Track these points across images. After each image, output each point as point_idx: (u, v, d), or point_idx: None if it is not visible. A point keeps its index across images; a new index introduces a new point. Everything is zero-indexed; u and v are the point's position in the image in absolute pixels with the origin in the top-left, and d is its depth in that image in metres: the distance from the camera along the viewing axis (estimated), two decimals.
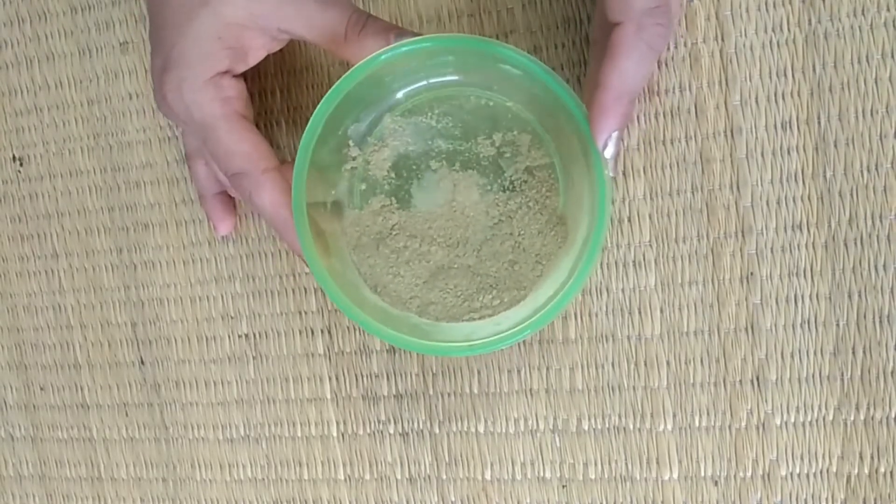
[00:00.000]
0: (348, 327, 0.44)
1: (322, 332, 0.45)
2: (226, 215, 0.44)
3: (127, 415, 0.49)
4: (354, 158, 0.39)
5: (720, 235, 0.39)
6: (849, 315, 0.38)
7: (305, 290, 0.45)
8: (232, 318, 0.46)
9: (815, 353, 0.38)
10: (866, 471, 0.38)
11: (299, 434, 0.46)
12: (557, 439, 0.42)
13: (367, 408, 0.44)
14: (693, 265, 0.39)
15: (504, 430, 0.42)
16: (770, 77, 0.37)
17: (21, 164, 0.49)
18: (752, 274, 0.38)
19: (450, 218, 0.38)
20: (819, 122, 0.37)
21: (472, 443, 0.43)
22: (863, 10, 0.36)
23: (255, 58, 0.38)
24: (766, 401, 0.39)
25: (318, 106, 0.35)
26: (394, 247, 0.38)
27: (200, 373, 0.47)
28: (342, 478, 0.45)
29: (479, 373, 0.42)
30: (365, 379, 0.44)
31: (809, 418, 0.38)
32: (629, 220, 0.40)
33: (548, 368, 0.41)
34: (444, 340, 0.36)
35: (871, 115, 0.37)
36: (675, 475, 0.40)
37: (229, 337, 0.46)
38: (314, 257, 0.36)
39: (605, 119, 0.33)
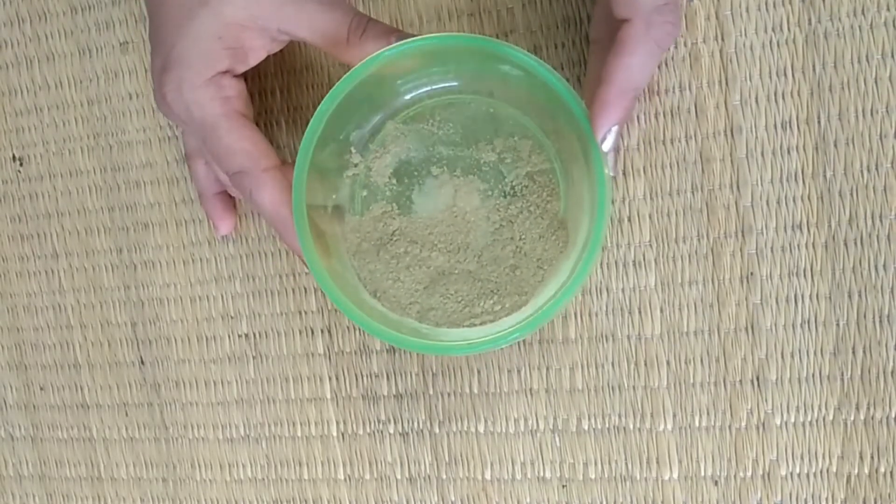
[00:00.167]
0: (348, 327, 0.44)
1: (322, 331, 0.45)
2: (226, 215, 0.44)
3: (127, 415, 0.49)
4: (356, 165, 0.39)
5: (720, 235, 0.39)
6: (849, 315, 0.38)
7: (305, 290, 0.45)
8: (232, 317, 0.46)
9: (815, 353, 0.38)
10: (866, 471, 0.38)
11: (299, 434, 0.46)
12: (557, 439, 0.42)
13: (367, 408, 0.44)
14: (693, 265, 0.39)
15: (504, 430, 0.42)
16: (770, 77, 0.37)
17: (21, 164, 0.49)
18: (752, 274, 0.38)
19: (451, 223, 0.38)
20: (819, 122, 0.37)
21: (472, 443, 0.43)
22: (863, 10, 0.36)
23: (255, 58, 0.38)
24: (766, 401, 0.39)
25: (320, 105, 0.35)
26: (394, 252, 0.38)
27: (200, 373, 0.47)
28: (342, 478, 0.45)
29: (479, 372, 0.42)
30: (365, 379, 0.44)
31: (809, 418, 0.38)
32: (629, 220, 0.40)
33: (548, 368, 0.41)
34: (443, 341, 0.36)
35: (871, 114, 0.37)
36: (675, 475, 0.40)
37: (229, 337, 0.46)
38: (314, 257, 0.35)
39: (606, 113, 0.32)
